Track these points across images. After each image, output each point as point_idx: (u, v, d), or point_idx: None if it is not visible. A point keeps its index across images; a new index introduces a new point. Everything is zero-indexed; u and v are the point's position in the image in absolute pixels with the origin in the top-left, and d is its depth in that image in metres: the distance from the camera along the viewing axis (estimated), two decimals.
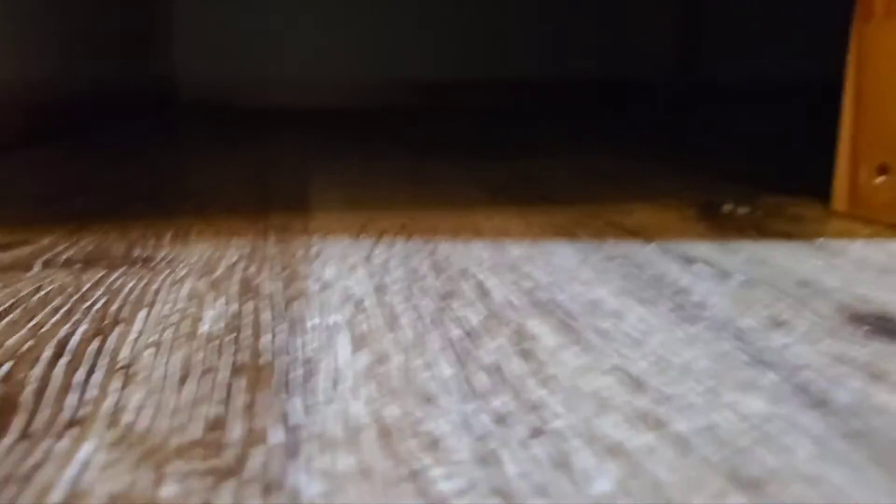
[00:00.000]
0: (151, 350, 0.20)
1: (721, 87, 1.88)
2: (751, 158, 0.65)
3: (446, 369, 0.18)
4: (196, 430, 0.15)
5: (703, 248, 0.31)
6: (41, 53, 0.87)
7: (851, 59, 0.37)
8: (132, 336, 0.21)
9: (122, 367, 0.19)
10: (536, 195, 0.45)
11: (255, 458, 0.14)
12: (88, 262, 0.29)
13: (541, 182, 0.50)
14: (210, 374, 0.18)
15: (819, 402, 0.16)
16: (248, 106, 1.68)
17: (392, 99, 1.74)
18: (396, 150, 0.73)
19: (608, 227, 0.35)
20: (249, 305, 0.23)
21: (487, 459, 0.14)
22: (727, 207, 0.40)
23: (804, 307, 0.23)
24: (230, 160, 0.65)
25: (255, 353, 0.19)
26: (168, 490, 0.13)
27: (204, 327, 0.21)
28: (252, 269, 0.28)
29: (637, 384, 0.17)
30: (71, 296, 0.25)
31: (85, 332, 0.21)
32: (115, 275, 0.27)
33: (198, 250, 0.31)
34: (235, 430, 0.15)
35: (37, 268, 0.28)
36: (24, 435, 0.15)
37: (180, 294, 0.25)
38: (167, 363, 0.19)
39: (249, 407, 0.16)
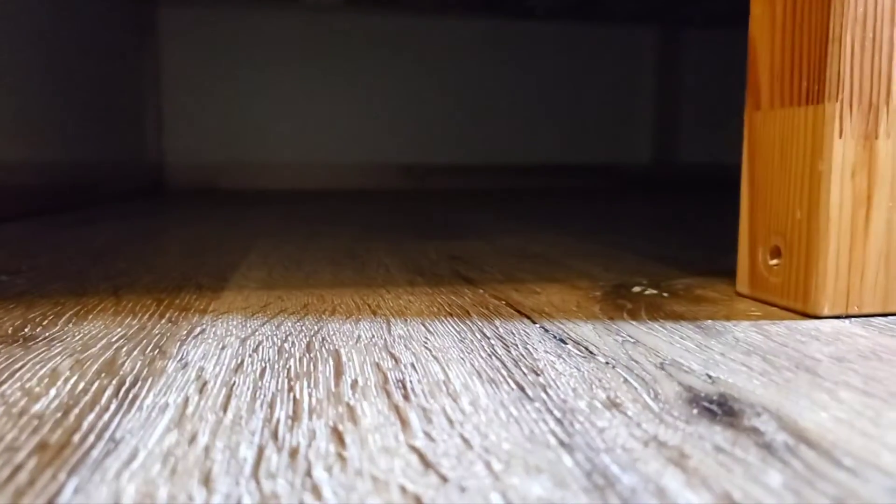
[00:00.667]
0: None
1: (696, 173, 1.92)
2: (693, 241, 0.66)
3: (245, 451, 0.18)
4: None
5: (586, 329, 0.31)
6: (37, 138, 0.90)
7: (745, 145, 0.38)
8: None
9: None
10: (456, 275, 0.45)
11: None
12: None
13: (466, 262, 0.51)
14: (9, 454, 0.18)
15: (600, 487, 0.16)
16: (236, 188, 1.71)
17: (379, 182, 1.78)
18: (344, 230, 0.74)
19: (505, 308, 0.35)
20: (98, 384, 0.24)
21: None
22: (637, 289, 0.41)
23: (647, 389, 0.23)
24: (177, 241, 0.66)
25: (71, 432, 0.19)
26: None
27: (37, 406, 0.22)
28: (125, 348, 0.28)
29: (427, 465, 0.17)
30: None
31: None
32: None
33: (86, 330, 0.31)
34: None
35: None
36: None
37: (39, 373, 0.25)
38: None
39: (24, 488, 0.16)
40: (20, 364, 0.26)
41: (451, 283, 0.42)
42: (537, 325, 0.32)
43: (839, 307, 0.33)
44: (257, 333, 0.30)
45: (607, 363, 0.26)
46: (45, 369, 0.25)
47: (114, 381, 0.24)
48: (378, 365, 0.26)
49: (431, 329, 0.31)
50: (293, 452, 0.18)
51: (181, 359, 0.26)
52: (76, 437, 0.19)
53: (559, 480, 0.17)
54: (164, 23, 1.65)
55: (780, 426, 0.20)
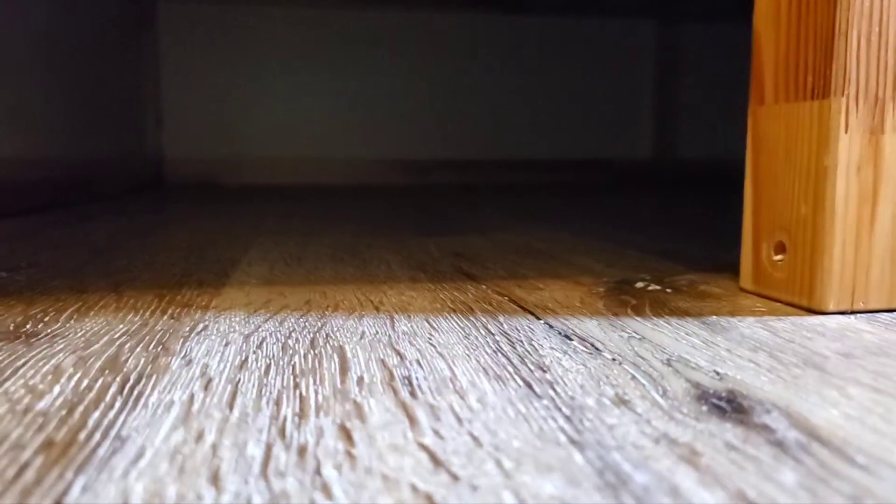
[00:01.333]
0: None
1: (695, 167, 1.92)
2: (694, 237, 0.66)
3: (252, 449, 0.18)
4: None
5: (590, 325, 0.31)
6: (34, 134, 0.89)
7: (749, 140, 0.38)
8: None
9: None
10: (459, 272, 0.45)
11: None
12: None
13: (468, 259, 0.51)
14: (15, 452, 0.18)
15: (613, 485, 0.16)
16: (234, 183, 1.71)
17: (378, 177, 1.77)
18: (345, 227, 0.74)
19: (508, 304, 0.35)
20: (102, 381, 0.23)
21: None
22: (640, 285, 0.41)
23: (655, 386, 0.23)
24: (176, 237, 0.66)
25: (76, 430, 0.19)
26: None
27: (42, 404, 0.21)
28: (128, 345, 0.28)
29: (437, 464, 0.17)
30: None
31: None
32: None
33: (88, 326, 0.31)
34: None
35: None
36: None
37: (43, 370, 0.25)
38: None
39: (31, 487, 0.16)
40: (23, 361, 0.26)
41: (453, 280, 0.42)
42: (541, 322, 0.32)
43: (844, 303, 0.33)
44: (260, 330, 0.30)
45: (614, 360, 0.26)
46: (48, 366, 0.25)
47: (118, 379, 0.24)
48: (383, 361, 0.26)
49: (435, 325, 0.31)
50: (301, 450, 0.18)
51: (185, 355, 0.26)
52: (82, 435, 0.19)
53: (571, 479, 0.17)
54: (163, 17, 1.65)
55: (791, 424, 0.20)
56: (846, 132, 0.32)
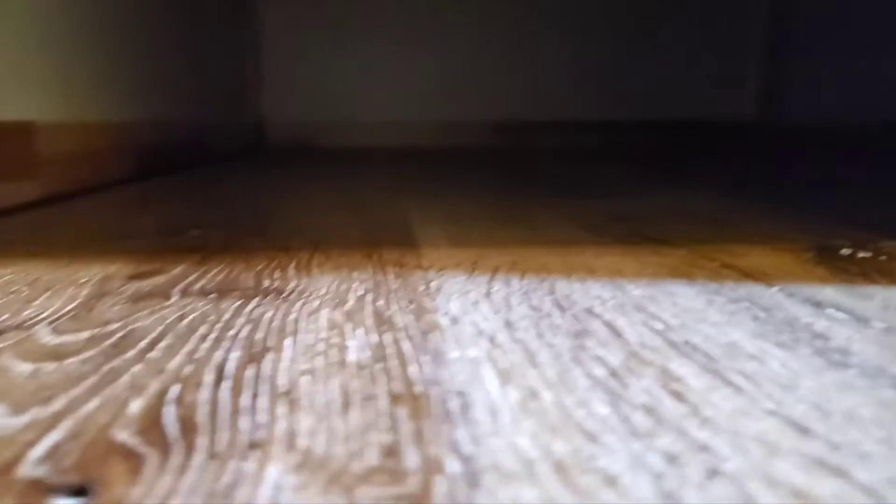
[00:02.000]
0: (307, 377, 0.21)
1: (808, 128, 1.83)
2: (850, 201, 0.63)
3: (600, 408, 0.18)
4: (372, 457, 0.16)
5: (830, 293, 0.30)
6: (153, 99, 0.93)
7: None
8: (284, 363, 0.22)
9: (283, 393, 0.19)
10: (638, 235, 0.45)
11: (439, 487, 0.14)
12: (222, 292, 0.31)
13: (638, 222, 0.50)
14: (371, 402, 0.19)
15: None
16: (332, 146, 1.73)
17: (473, 139, 1.77)
18: (486, 190, 0.74)
19: (724, 270, 0.35)
20: (388, 337, 0.24)
21: (670, 498, 0.14)
22: (845, 251, 0.39)
23: None
24: (324, 198, 0.68)
25: (407, 383, 0.20)
26: None
27: (351, 356, 0.22)
28: (380, 301, 0.29)
29: (801, 430, 0.17)
30: (214, 324, 0.26)
31: (240, 359, 0.22)
32: (252, 304, 0.29)
33: (324, 282, 0.32)
34: (411, 459, 0.16)
35: (175, 296, 0.30)
36: (212, 455, 0.16)
37: (319, 324, 0.26)
38: (325, 390, 0.20)
39: (418, 436, 0.17)
40: (294, 316, 0.27)
41: (640, 243, 0.42)
42: (775, 289, 0.31)
43: None
44: (494, 289, 0.31)
45: (889, 329, 0.25)
46: (323, 321, 0.26)
47: (402, 335, 0.24)
48: (648, 326, 0.26)
49: (669, 290, 0.31)
50: (649, 410, 0.18)
51: (446, 313, 0.27)
52: (417, 389, 0.20)
53: None
54: None
55: None
56: None
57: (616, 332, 0.25)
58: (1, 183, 0.54)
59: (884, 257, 0.37)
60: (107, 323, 0.26)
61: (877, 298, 0.29)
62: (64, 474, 0.15)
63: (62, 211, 0.57)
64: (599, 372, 0.21)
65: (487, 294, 0.30)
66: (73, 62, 0.68)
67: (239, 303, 0.29)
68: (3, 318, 0.27)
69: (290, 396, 0.19)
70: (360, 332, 0.25)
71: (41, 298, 0.30)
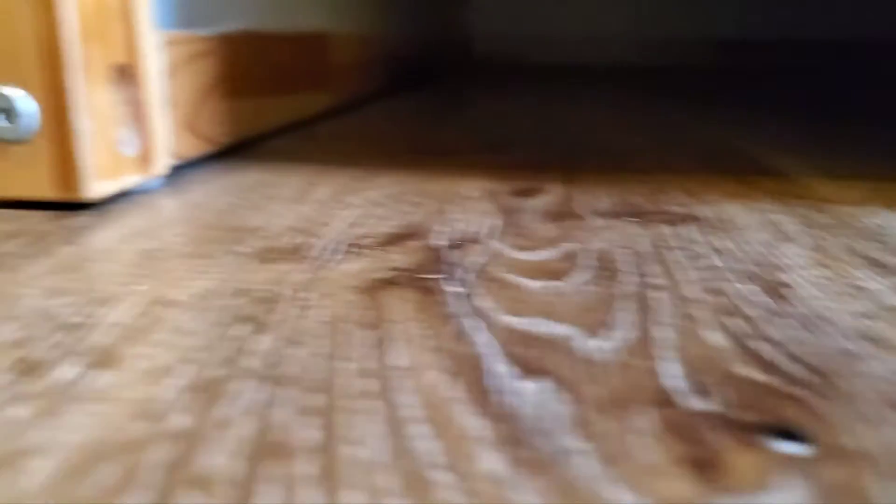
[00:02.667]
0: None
1: None
2: None
3: None
4: None
5: None
6: (392, 13, 0.93)
7: None
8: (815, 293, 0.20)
9: None
10: None
11: None
12: (637, 215, 0.29)
13: None
14: None
15: None
16: (541, 62, 1.68)
17: (684, 57, 1.65)
18: (770, 117, 0.67)
19: None
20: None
21: None
22: None
23: None
24: (594, 117, 0.65)
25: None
26: None
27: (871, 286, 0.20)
28: (828, 243, 0.26)
29: None
30: (681, 247, 0.25)
31: (764, 287, 0.21)
32: (688, 230, 0.27)
33: (733, 212, 0.30)
34: None
35: (589, 218, 0.29)
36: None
37: (804, 259, 0.24)
38: None
39: None
40: (759, 248, 0.25)
41: None
42: None
43: None
44: None
45: None
46: (801, 255, 0.24)
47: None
48: None
49: None
50: None
51: None
52: None
53: None
54: None
55: None
56: None
57: None
58: (304, 92, 0.56)
59: None
60: (556, 241, 0.26)
61: None
62: (741, 411, 0.14)
63: (354, 122, 0.58)
64: None
65: None
66: None
67: (671, 228, 0.27)
68: (444, 230, 0.27)
69: None
70: (862, 272, 0.22)
71: (455, 212, 0.30)
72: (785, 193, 0.33)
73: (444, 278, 0.22)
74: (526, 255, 0.24)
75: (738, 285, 0.21)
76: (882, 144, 0.48)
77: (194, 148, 0.38)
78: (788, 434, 0.13)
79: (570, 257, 0.24)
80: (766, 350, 0.17)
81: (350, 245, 0.25)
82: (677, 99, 0.81)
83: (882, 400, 0.15)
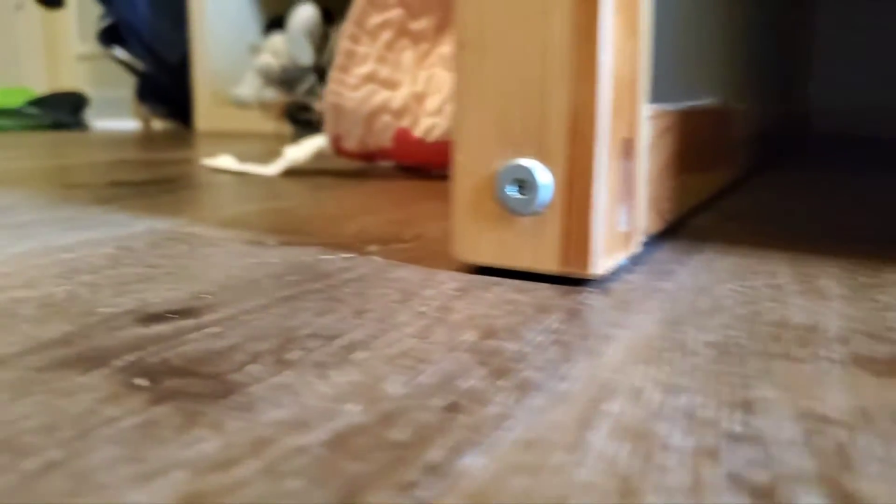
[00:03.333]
0: None
1: None
2: None
3: None
4: None
5: None
6: (758, 87, 0.87)
7: None
8: None
9: None
10: None
11: None
12: None
13: None
14: None
15: None
16: (871, 136, 1.49)
17: None
18: None
19: None
20: None
21: None
22: None
23: None
24: None
25: None
26: None
27: None
28: None
29: None
30: None
31: None
32: None
33: None
34: None
35: None
36: None
37: None
38: None
39: None
40: None
41: None
42: None
43: None
44: None
45: None
46: None
47: None
48: None
49: None
50: None
51: None
52: None
53: None
54: None
55: None
56: None
57: None
58: (718, 169, 0.52)
59: None
60: None
61: None
62: None
63: (747, 198, 0.53)
64: None
65: None
66: (734, 55, 0.65)
67: None
68: None
69: None
70: None
71: None
72: None
73: None
74: None
75: None
76: None
77: (654, 225, 0.36)
78: None
79: None
80: None
81: None
82: None
83: None
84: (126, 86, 2.51)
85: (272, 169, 0.68)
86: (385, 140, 0.63)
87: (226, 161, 0.72)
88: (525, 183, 0.28)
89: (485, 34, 0.28)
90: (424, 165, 0.64)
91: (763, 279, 0.29)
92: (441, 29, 0.63)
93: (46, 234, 0.38)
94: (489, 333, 0.22)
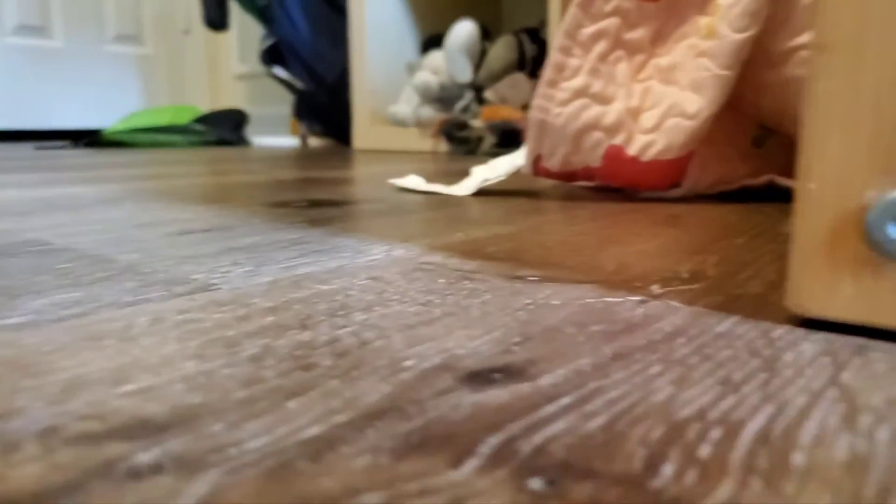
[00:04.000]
0: None
1: None
2: None
3: None
4: None
5: None
6: None
7: None
8: None
9: None
10: None
11: None
12: None
13: None
14: None
15: None
16: None
17: None
18: None
19: None
20: None
21: None
22: None
23: None
24: None
25: None
26: None
27: None
28: None
29: None
30: None
31: None
32: None
33: None
34: None
35: None
36: None
37: None
38: None
39: None
40: None
41: None
42: None
43: None
44: None
45: None
46: None
47: None
48: None
49: None
50: None
51: None
52: None
53: None
54: None
55: None
56: None
57: None
58: None
59: None
60: None
61: None
62: None
63: None
64: None
65: None
66: None
67: None
68: None
69: None
70: None
71: None
72: None
73: None
74: None
75: None
76: None
77: None
78: None
79: None
80: None
81: None
82: None
83: None
84: (279, 104, 2.62)
85: (463, 189, 0.64)
86: (594, 158, 0.58)
87: (414, 181, 0.69)
88: None
89: (864, 31, 0.22)
90: (635, 185, 0.58)
91: None
92: (658, 39, 0.57)
93: (284, 259, 0.35)
94: None
